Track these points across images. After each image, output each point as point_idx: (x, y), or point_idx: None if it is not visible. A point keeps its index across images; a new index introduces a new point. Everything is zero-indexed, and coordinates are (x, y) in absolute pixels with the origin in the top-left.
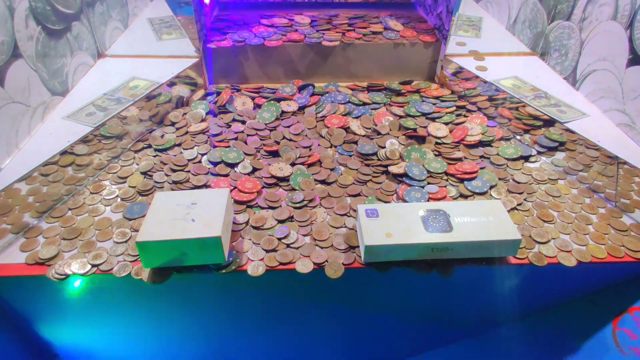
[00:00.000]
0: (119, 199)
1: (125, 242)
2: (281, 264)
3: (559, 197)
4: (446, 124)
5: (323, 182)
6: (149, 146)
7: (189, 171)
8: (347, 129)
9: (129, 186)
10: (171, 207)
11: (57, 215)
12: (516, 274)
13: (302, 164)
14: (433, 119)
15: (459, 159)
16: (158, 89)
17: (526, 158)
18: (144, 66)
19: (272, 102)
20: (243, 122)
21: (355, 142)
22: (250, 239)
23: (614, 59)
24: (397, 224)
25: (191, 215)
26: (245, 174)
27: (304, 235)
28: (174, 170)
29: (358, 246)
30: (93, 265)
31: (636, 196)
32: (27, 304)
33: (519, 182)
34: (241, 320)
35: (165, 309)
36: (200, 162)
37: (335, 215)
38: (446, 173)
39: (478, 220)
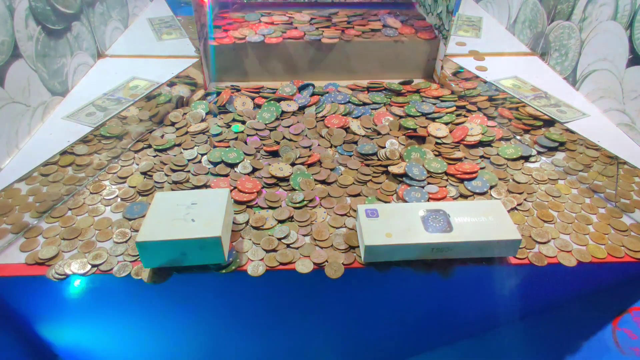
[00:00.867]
0: (119, 199)
1: (125, 242)
2: (281, 264)
3: (559, 197)
4: (446, 124)
5: (323, 182)
6: (149, 146)
7: (188, 171)
8: (347, 129)
9: (129, 186)
10: (171, 207)
11: (57, 215)
12: (516, 274)
13: (302, 164)
14: (433, 119)
15: (459, 159)
16: (158, 89)
17: (526, 158)
18: (144, 66)
19: (272, 102)
20: (243, 122)
21: (355, 142)
22: (250, 239)
23: (614, 59)
24: (397, 224)
25: (191, 215)
26: (245, 174)
27: (304, 235)
28: (174, 171)
29: (358, 246)
30: (93, 266)
31: (636, 196)
32: (27, 304)
33: (519, 182)
34: (241, 320)
35: (165, 309)
36: (200, 162)
37: (335, 215)
38: (446, 173)
39: (478, 220)
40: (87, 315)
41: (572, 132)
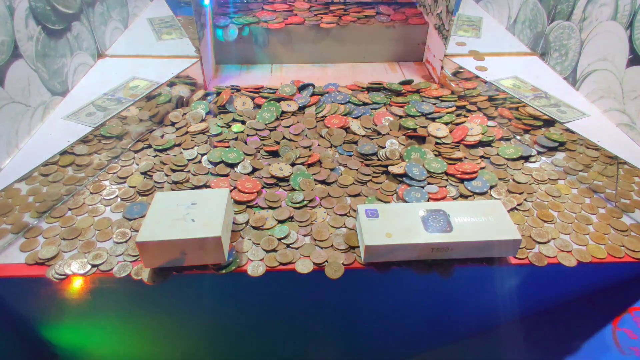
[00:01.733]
0: (118, 199)
1: (125, 242)
2: (281, 264)
3: (559, 197)
4: (446, 124)
5: (323, 182)
6: (149, 146)
7: (188, 171)
8: (347, 129)
9: (129, 186)
10: (171, 207)
11: (57, 215)
12: (516, 274)
13: (302, 164)
14: (433, 119)
15: (459, 159)
16: (158, 89)
17: (526, 158)
18: (144, 66)
19: (272, 102)
20: (243, 122)
21: (355, 142)
22: (250, 239)
23: (614, 59)
24: (397, 224)
25: (191, 215)
26: (245, 174)
27: (304, 236)
28: (174, 171)
29: (358, 246)
30: (93, 266)
31: (636, 196)
32: (27, 304)
33: (519, 182)
34: (241, 320)
35: (165, 309)
36: (200, 162)
37: (335, 215)
38: (446, 173)
39: (478, 221)
40: (87, 315)
41: (572, 132)
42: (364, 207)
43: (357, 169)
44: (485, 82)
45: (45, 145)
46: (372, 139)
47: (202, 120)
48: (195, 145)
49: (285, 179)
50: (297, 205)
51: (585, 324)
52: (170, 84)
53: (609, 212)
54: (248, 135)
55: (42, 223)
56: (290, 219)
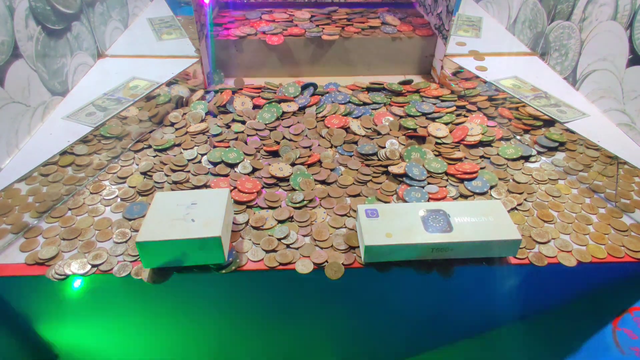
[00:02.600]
0: (118, 199)
1: (125, 242)
2: (281, 264)
3: (559, 197)
4: (446, 124)
5: (323, 182)
6: (149, 146)
7: (188, 171)
8: (347, 129)
9: (129, 186)
10: (171, 207)
11: (56, 215)
12: (516, 274)
13: (302, 164)
14: (433, 119)
15: (459, 159)
16: (158, 89)
17: (526, 158)
18: (144, 66)
19: (273, 103)
20: (243, 123)
21: (356, 142)
22: (250, 239)
23: (614, 59)
24: (397, 224)
25: (191, 215)
26: (245, 174)
27: (304, 236)
28: (173, 171)
29: (358, 246)
30: (93, 266)
31: (636, 196)
32: (27, 304)
33: (519, 182)
34: (241, 320)
35: (165, 309)
36: (200, 162)
37: (335, 215)
38: (446, 173)
39: (478, 221)
40: (87, 315)
41: (572, 132)
42: (364, 207)
43: (357, 169)
44: (485, 82)
45: (45, 145)
46: (372, 139)
47: (202, 121)
48: (195, 146)
49: (285, 179)
50: (297, 205)
51: (585, 324)
52: (170, 84)
53: (609, 212)
54: (248, 135)
55: (42, 223)
56: (290, 219)
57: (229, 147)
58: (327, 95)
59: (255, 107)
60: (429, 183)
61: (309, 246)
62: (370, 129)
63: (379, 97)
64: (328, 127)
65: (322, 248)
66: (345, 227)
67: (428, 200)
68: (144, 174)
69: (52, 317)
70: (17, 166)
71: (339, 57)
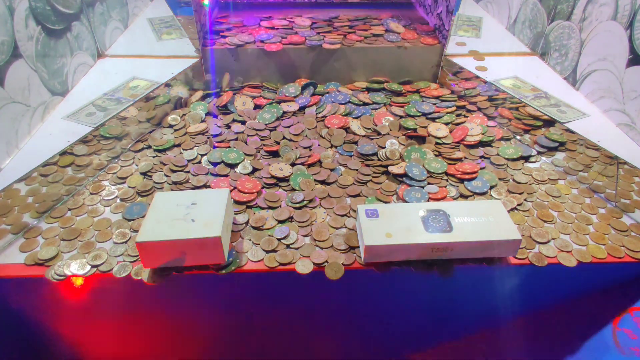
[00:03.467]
0: (118, 200)
1: (125, 242)
2: (281, 264)
3: (559, 197)
4: (446, 124)
5: (323, 182)
6: (149, 147)
7: (188, 172)
8: (347, 129)
9: (129, 187)
10: (171, 207)
11: (56, 215)
12: (516, 274)
13: (302, 164)
14: (433, 119)
15: (459, 159)
16: (158, 89)
17: (526, 158)
18: (144, 66)
19: (274, 104)
20: (243, 123)
21: (356, 143)
22: (250, 239)
23: (614, 59)
24: (397, 224)
25: (191, 215)
26: (245, 174)
27: (304, 236)
28: (173, 171)
29: (358, 246)
30: (93, 266)
31: (636, 196)
32: (26, 304)
33: (519, 182)
34: (241, 320)
35: (165, 309)
36: (200, 162)
37: (335, 215)
38: (446, 173)
39: (478, 221)
40: (87, 315)
41: (572, 132)
42: (364, 207)
43: (357, 169)
44: (485, 82)
45: (45, 145)
46: (372, 139)
47: (202, 121)
48: (195, 146)
49: (285, 179)
50: (297, 205)
51: (585, 324)
52: (170, 84)
53: (609, 212)
54: (248, 136)
55: (42, 223)
56: (290, 219)
57: (229, 147)
58: (327, 95)
59: (256, 107)
60: (429, 183)
61: (309, 246)
62: (370, 129)
63: (379, 97)
64: (328, 127)
65: (322, 248)
66: (345, 227)
67: (428, 200)
68: (144, 174)
69: (51, 318)
70: (17, 166)
71: (341, 66)
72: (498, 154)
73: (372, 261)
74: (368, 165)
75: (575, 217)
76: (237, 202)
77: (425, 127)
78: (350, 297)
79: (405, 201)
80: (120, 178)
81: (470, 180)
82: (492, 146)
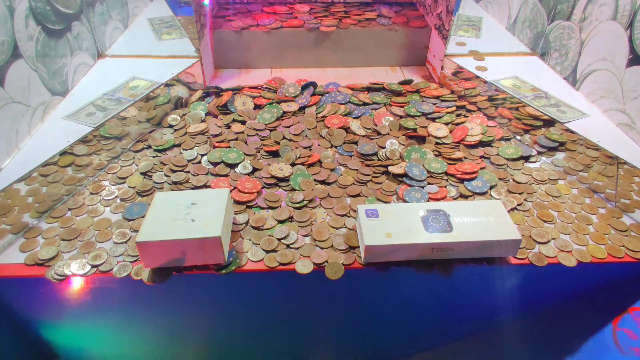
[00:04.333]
0: (118, 200)
1: (125, 242)
2: (281, 264)
3: (559, 197)
4: (446, 124)
5: (323, 182)
6: (149, 147)
7: (188, 171)
8: (347, 129)
9: (129, 187)
10: (171, 207)
11: (56, 215)
12: (516, 274)
13: (302, 164)
14: (433, 119)
15: (459, 159)
16: (158, 89)
17: (526, 158)
18: (144, 66)
19: (274, 104)
20: (243, 123)
21: (356, 143)
22: (250, 239)
23: (614, 59)
24: (397, 224)
25: (191, 215)
26: (245, 174)
27: (304, 236)
28: (173, 171)
29: (358, 246)
30: (93, 266)
31: (636, 196)
32: (26, 304)
33: (519, 182)
34: (241, 320)
35: (165, 309)
36: (200, 162)
37: (335, 215)
38: (446, 173)
39: (478, 221)
40: (87, 315)
41: (572, 132)
42: (364, 207)
43: (357, 169)
44: (485, 82)
45: (45, 145)
46: (372, 139)
47: (202, 121)
48: (195, 146)
49: (285, 179)
50: (297, 205)
51: (585, 324)
52: (170, 84)
53: (609, 212)
54: (248, 136)
55: (42, 223)
56: (290, 219)
57: (229, 147)
58: (327, 95)
59: (256, 107)
60: (429, 183)
61: (309, 246)
62: (370, 129)
63: (379, 97)
64: (328, 127)
65: (322, 248)
66: (345, 227)
67: (428, 200)
68: (144, 174)
69: (52, 318)
70: (17, 166)
71: (336, 47)
72: (498, 154)
73: (372, 261)
74: (368, 165)
75: (575, 217)
76: (237, 202)
77: (425, 127)
78: (350, 297)
79: (405, 201)
80: (120, 178)
81: (470, 180)
82: (492, 146)
